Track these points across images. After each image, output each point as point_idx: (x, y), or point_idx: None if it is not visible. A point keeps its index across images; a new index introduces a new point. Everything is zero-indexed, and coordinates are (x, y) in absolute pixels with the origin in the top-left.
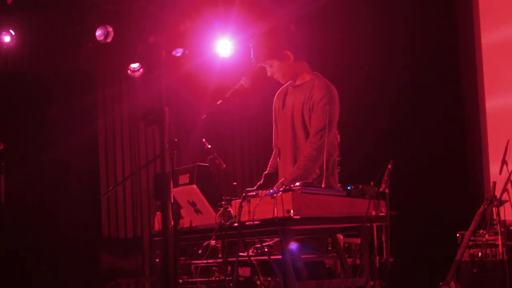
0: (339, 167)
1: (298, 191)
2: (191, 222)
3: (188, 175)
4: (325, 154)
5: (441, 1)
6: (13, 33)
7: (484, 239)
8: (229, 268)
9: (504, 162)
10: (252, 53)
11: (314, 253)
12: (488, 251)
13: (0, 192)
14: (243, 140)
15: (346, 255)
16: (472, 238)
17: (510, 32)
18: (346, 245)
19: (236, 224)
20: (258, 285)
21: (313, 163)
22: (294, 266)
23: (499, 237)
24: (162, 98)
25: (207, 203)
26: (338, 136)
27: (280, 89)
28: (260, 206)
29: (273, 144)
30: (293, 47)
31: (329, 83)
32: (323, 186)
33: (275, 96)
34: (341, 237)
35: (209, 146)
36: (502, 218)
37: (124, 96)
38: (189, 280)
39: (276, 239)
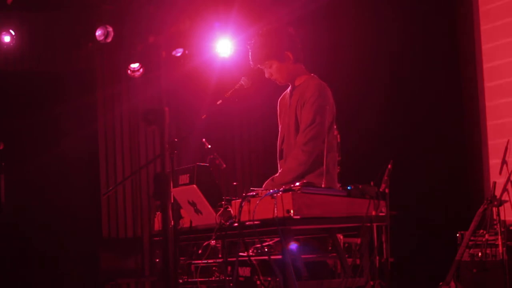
0: (339, 167)
1: (298, 191)
2: (191, 222)
3: (188, 175)
4: (325, 153)
5: (441, 0)
6: (13, 33)
7: (484, 239)
8: (229, 268)
9: (504, 162)
10: (250, 55)
11: (316, 253)
12: (488, 251)
13: (0, 192)
14: (243, 140)
15: (346, 255)
16: (472, 238)
17: (511, 31)
18: (346, 245)
19: (236, 224)
20: (258, 285)
21: (299, 162)
22: (294, 266)
23: (499, 237)
24: (162, 98)
25: (207, 203)
26: (338, 136)
27: (283, 94)
28: (260, 206)
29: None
30: (292, 48)
31: (323, 83)
32: (323, 186)
33: (278, 102)
34: (341, 237)
35: (209, 146)
36: (502, 218)
37: (124, 96)
38: (189, 280)
39: (276, 239)
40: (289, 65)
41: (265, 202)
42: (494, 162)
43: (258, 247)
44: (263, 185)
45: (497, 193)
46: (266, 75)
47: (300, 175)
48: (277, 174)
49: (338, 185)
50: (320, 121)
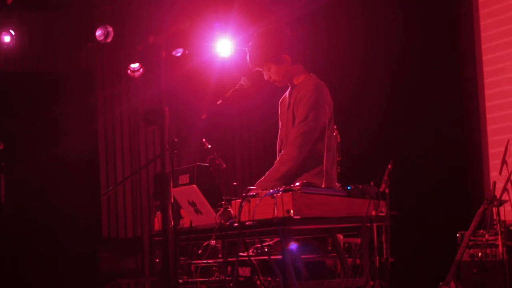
0: (339, 167)
1: (298, 191)
2: (191, 222)
3: (188, 175)
4: (325, 153)
5: (441, 0)
6: (13, 33)
7: (484, 239)
8: (229, 268)
9: (504, 162)
10: (248, 58)
11: (316, 253)
12: (488, 251)
13: (0, 192)
14: (243, 140)
15: (346, 255)
16: (472, 238)
17: (511, 31)
18: (346, 245)
19: (236, 224)
20: (258, 285)
21: (288, 156)
22: (294, 266)
23: (499, 237)
24: (162, 98)
25: (207, 203)
26: (338, 136)
27: (283, 95)
28: (260, 206)
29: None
30: (290, 50)
31: (321, 83)
32: (323, 186)
33: (279, 103)
34: (341, 237)
35: (209, 146)
36: (502, 218)
37: (124, 96)
38: (189, 280)
39: (276, 239)
40: (287, 67)
41: (265, 202)
42: (494, 162)
43: (258, 247)
44: (256, 184)
45: (497, 193)
46: (265, 78)
47: (291, 170)
48: (269, 171)
49: (338, 185)
50: (314, 118)
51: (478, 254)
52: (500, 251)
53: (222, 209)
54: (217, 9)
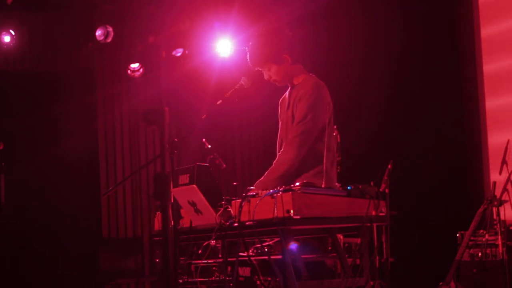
0: (339, 167)
1: (298, 191)
2: (191, 222)
3: (188, 175)
4: (324, 153)
5: (441, 0)
6: (13, 33)
7: (484, 239)
8: (229, 268)
9: (504, 162)
10: (248, 58)
11: (315, 253)
12: (488, 251)
13: (0, 192)
14: (243, 140)
15: (346, 255)
16: (472, 238)
17: (511, 31)
18: (346, 245)
19: (236, 224)
20: (258, 285)
21: (287, 156)
22: (294, 266)
23: (499, 237)
24: (162, 98)
25: (207, 203)
26: (338, 136)
27: (283, 95)
28: (260, 206)
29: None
30: (290, 50)
31: (321, 83)
32: (323, 186)
33: (279, 103)
34: (341, 237)
35: (209, 146)
36: (502, 218)
37: (124, 96)
38: (189, 280)
39: (276, 239)
40: (287, 67)
41: (265, 202)
42: (494, 162)
43: (258, 247)
44: (255, 184)
45: (497, 193)
46: (265, 78)
47: (289, 169)
48: (268, 171)
49: (338, 185)
50: (313, 118)
51: (478, 254)
52: (500, 251)
53: (222, 209)
54: (217, 9)
